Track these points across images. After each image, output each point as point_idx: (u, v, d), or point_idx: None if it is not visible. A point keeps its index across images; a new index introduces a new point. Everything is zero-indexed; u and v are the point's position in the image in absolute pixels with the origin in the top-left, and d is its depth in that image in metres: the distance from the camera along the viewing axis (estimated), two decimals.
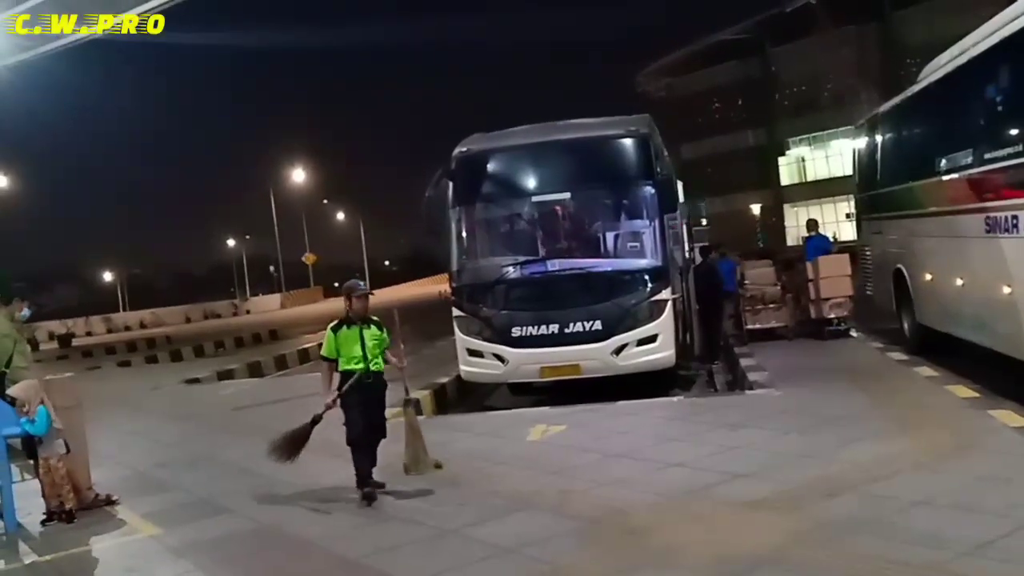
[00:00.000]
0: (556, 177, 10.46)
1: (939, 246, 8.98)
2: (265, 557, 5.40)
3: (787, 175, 53.51)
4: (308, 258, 60.30)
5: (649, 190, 10.03)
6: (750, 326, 13.06)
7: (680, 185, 14.44)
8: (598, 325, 9.61)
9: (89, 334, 47.41)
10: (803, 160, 52.79)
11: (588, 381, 9.73)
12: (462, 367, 10.41)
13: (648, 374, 9.77)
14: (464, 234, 10.65)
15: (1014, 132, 6.91)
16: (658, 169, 10.19)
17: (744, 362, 10.78)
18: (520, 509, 5.68)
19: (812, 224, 14.88)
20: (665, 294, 9.80)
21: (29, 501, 6.65)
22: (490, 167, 10.50)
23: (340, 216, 75.86)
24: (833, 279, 12.26)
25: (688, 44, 54.89)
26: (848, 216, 16.52)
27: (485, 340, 10.00)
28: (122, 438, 9.93)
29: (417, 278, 58.45)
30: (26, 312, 7.63)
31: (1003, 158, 7.06)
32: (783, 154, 53.23)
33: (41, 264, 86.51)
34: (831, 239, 16.51)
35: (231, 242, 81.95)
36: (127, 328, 50.45)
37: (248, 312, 55.50)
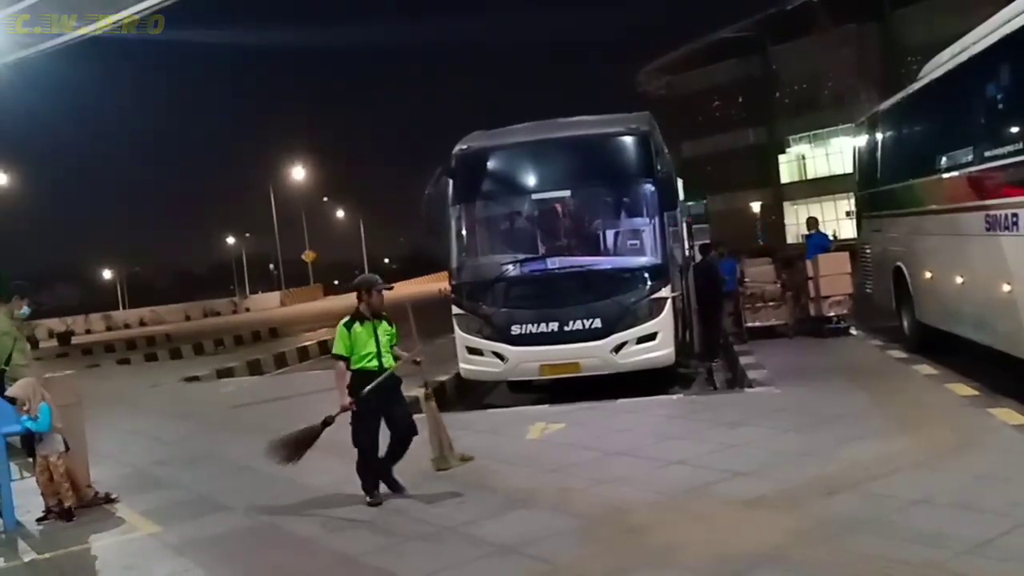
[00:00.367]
0: (556, 175, 10.46)
1: (939, 244, 8.97)
2: (264, 554, 5.39)
3: (787, 173, 53.46)
4: (308, 256, 60.31)
5: (649, 188, 10.03)
6: (750, 324, 13.05)
7: (680, 183, 14.44)
8: (598, 323, 9.61)
9: (89, 332, 47.33)
10: (803, 158, 52.75)
11: (588, 379, 9.73)
12: (461, 365, 10.41)
13: (648, 372, 9.77)
14: (464, 232, 10.65)
15: (1014, 130, 6.91)
16: (658, 167, 10.18)
17: (744, 360, 10.78)
18: (520, 507, 5.67)
19: (812, 222, 14.90)
20: (665, 292, 9.80)
21: (28, 499, 6.64)
22: (490, 165, 10.48)
23: (340, 214, 75.99)
24: (833, 277, 12.26)
25: (688, 42, 54.84)
26: (848, 214, 16.55)
27: (485, 338, 10.00)
28: (121, 436, 9.92)
29: (417, 276, 58.38)
30: (25, 310, 7.64)
31: (1003, 156, 7.06)
32: (783, 152, 53.21)
33: (41, 263, 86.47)
34: (831, 237, 16.52)
35: (231, 240, 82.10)
36: (127, 326, 50.35)
37: (248, 310, 55.43)
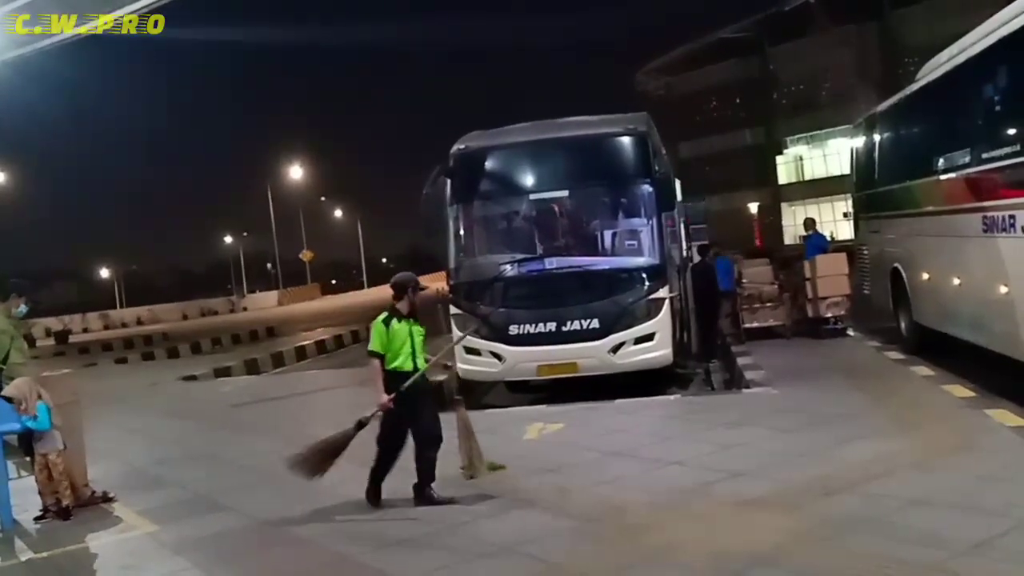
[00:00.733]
0: (554, 175, 10.47)
1: (936, 245, 8.98)
2: (262, 554, 5.39)
3: (785, 174, 53.47)
4: (305, 255, 60.31)
5: (647, 188, 10.03)
6: (747, 325, 13.06)
7: (678, 183, 14.45)
8: (595, 323, 9.61)
9: (86, 331, 47.32)
10: (801, 159, 52.77)
11: (585, 379, 9.72)
12: (459, 365, 10.40)
13: (645, 372, 9.77)
14: (462, 232, 10.64)
15: (1012, 131, 6.92)
16: (656, 167, 10.19)
17: (741, 361, 10.79)
18: (518, 507, 5.67)
19: (809, 223, 14.89)
20: (662, 292, 9.81)
21: (25, 498, 6.64)
22: (488, 164, 10.48)
23: (338, 213, 76.00)
24: (830, 278, 12.25)
25: (687, 43, 54.90)
26: (845, 215, 16.51)
27: (482, 338, 9.99)
28: (119, 435, 9.91)
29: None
30: (23, 308, 7.61)
31: (1001, 157, 7.06)
32: (781, 153, 53.23)
33: (39, 262, 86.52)
34: (828, 238, 16.53)
35: (229, 239, 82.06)
36: (124, 325, 50.34)
37: (245, 309, 55.40)
